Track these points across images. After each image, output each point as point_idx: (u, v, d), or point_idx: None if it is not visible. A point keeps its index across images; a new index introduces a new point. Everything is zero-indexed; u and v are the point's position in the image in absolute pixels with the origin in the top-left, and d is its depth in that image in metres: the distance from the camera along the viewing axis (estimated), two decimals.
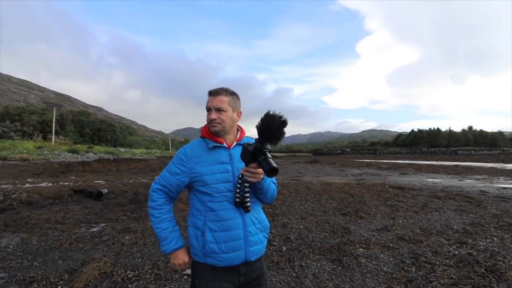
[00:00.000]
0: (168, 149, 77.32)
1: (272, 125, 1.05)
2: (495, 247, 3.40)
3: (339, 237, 3.96)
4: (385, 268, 2.94)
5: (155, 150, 65.01)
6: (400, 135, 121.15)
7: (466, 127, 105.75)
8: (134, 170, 17.49)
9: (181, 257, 1.32)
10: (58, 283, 2.70)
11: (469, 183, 10.15)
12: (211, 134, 1.30)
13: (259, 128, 1.08)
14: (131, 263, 3.14)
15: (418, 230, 4.23)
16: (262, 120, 1.08)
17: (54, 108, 47.76)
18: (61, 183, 9.28)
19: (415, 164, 23.09)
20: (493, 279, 2.53)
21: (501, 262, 2.89)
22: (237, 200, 1.23)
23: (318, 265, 3.05)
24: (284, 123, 1.07)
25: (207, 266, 1.25)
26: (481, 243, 3.56)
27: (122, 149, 44.83)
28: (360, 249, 3.49)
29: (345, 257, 3.19)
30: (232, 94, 1.31)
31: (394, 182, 10.50)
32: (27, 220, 4.92)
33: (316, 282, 2.67)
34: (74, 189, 7.53)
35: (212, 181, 1.24)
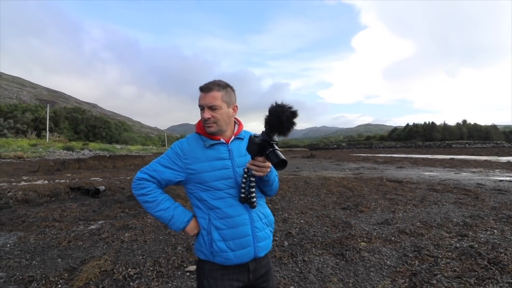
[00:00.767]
0: (164, 145, 76.91)
1: (282, 115, 1.01)
2: (496, 239, 3.42)
3: (341, 231, 3.96)
4: (388, 262, 2.94)
5: (151, 146, 64.63)
6: (395, 129, 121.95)
7: (460, 121, 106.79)
8: (131, 166, 17.36)
9: (193, 228, 1.25)
10: (58, 282, 2.65)
11: (466, 176, 10.25)
12: (205, 132, 1.23)
13: (268, 119, 1.04)
14: (132, 261, 3.10)
15: (419, 223, 4.25)
16: (270, 110, 1.03)
17: (48, 105, 47.00)
18: (57, 180, 9.16)
19: (411, 158, 23.28)
20: (497, 271, 2.54)
21: (503, 254, 2.90)
22: (242, 195, 1.18)
23: (321, 260, 3.04)
24: (294, 113, 1.03)
25: (216, 266, 1.20)
26: (482, 236, 3.58)
27: (118, 146, 44.48)
28: (362, 243, 3.49)
29: (347, 251, 3.18)
30: (226, 87, 1.21)
31: (391, 175, 10.57)
32: (23, 218, 4.84)
33: (320, 277, 2.66)
34: (70, 187, 7.43)
35: (212, 179, 1.18)
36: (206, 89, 1.18)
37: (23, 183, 8.35)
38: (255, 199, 1.18)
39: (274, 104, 1.03)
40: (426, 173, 11.34)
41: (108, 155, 23.37)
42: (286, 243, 3.55)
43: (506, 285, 2.34)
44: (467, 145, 71.86)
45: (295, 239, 3.68)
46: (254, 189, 1.18)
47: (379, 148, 77.54)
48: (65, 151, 28.08)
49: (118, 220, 4.78)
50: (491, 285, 2.35)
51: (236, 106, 1.27)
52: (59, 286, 2.59)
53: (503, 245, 3.20)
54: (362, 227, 4.16)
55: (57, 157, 23.20)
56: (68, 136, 48.29)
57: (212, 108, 1.17)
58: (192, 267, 2.90)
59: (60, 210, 5.42)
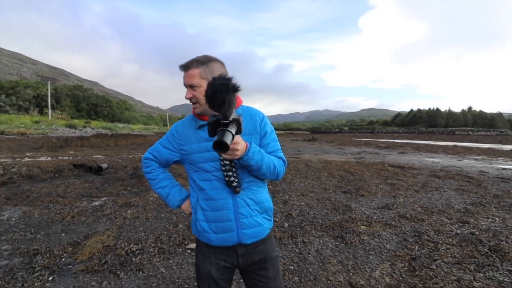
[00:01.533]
0: (166, 125, 76.90)
1: (212, 88, 0.90)
2: (497, 227, 3.42)
3: (341, 215, 3.98)
4: (388, 246, 2.96)
5: (153, 126, 64.64)
6: (399, 114, 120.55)
7: (466, 108, 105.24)
8: (133, 145, 17.43)
9: (188, 207, 1.31)
10: (62, 256, 2.71)
11: (468, 163, 10.20)
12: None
13: (205, 92, 0.93)
14: (134, 237, 3.15)
15: (419, 208, 4.26)
16: (207, 84, 0.93)
17: (49, 82, 46.47)
18: (60, 157, 9.22)
19: (414, 144, 23.15)
20: (497, 259, 2.55)
21: (504, 242, 2.90)
22: (226, 179, 1.12)
23: (321, 242, 3.07)
24: (226, 85, 0.89)
25: (203, 243, 1.23)
26: (483, 223, 3.58)
27: (120, 125, 44.46)
28: (362, 226, 3.51)
29: (347, 234, 3.21)
30: (206, 62, 1.12)
31: (393, 161, 10.54)
32: (28, 193, 4.90)
33: (320, 258, 2.69)
34: (74, 164, 7.48)
35: (200, 160, 1.16)
36: (184, 67, 1.12)
37: (26, 159, 8.41)
38: (236, 184, 1.11)
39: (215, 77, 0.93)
40: (428, 159, 11.29)
41: (110, 134, 23.42)
42: (286, 224, 3.58)
43: (506, 272, 2.35)
44: (470, 132, 71.24)
45: (295, 221, 3.71)
46: (231, 173, 1.10)
47: (381, 133, 77.05)
48: (67, 129, 28.15)
49: (120, 197, 4.83)
50: (491, 272, 2.36)
51: None
52: (63, 259, 2.65)
53: (504, 233, 3.20)
54: (362, 210, 4.17)
55: (60, 135, 23.29)
56: (70, 114, 48.25)
57: (191, 87, 1.12)
58: (193, 245, 2.94)
59: (64, 186, 5.48)
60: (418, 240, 3.06)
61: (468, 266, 2.43)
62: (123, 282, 2.29)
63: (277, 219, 3.76)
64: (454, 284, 2.18)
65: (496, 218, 3.75)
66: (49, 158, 8.65)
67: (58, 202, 4.46)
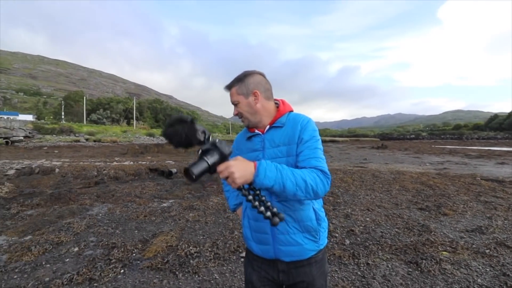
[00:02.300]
0: (229, 133, 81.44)
1: (164, 135, 0.97)
2: None
3: (416, 236, 3.40)
4: (479, 280, 2.37)
5: (217, 134, 69.27)
6: (495, 116, 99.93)
7: None
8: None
9: (239, 215, 1.40)
10: (133, 251, 3.02)
11: None
12: None
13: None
14: (194, 240, 3.31)
15: None
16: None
17: (134, 97, 55.22)
18: (140, 162, 10.62)
19: None
20: None
21: None
22: (257, 212, 0.94)
23: (389, 266, 2.66)
24: (171, 125, 0.93)
25: (248, 249, 1.27)
26: None
27: None
28: (444, 252, 2.92)
29: (424, 260, 2.71)
30: (241, 79, 1.16)
31: (488, 173, 8.69)
32: (113, 192, 5.74)
33: (387, 286, 2.32)
34: (149, 168, 8.50)
35: None
36: (227, 88, 1.20)
37: (115, 163, 9.96)
38: (268, 213, 0.91)
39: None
40: None
41: None
42: (347, 242, 3.24)
43: None
44: None
45: (358, 238, 3.34)
46: (259, 204, 0.92)
47: (472, 139, 64.94)
48: (147, 137, 32.57)
49: (185, 200, 5.21)
50: None
51: (256, 92, 1.14)
52: (134, 254, 2.95)
53: None
54: (444, 233, 3.49)
55: (141, 142, 27.06)
56: (150, 124, 55.77)
57: (234, 104, 1.19)
58: None
59: (141, 187, 6.23)
60: None
61: None
62: (180, 283, 2.40)
63: (337, 235, 3.45)
64: None
65: None
66: (131, 163, 10.05)
67: (135, 201, 5.08)
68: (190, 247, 3.06)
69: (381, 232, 3.54)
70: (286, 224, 1.10)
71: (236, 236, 3.40)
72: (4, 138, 20.96)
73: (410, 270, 2.58)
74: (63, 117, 50.95)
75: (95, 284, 2.36)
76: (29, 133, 24.13)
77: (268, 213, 0.91)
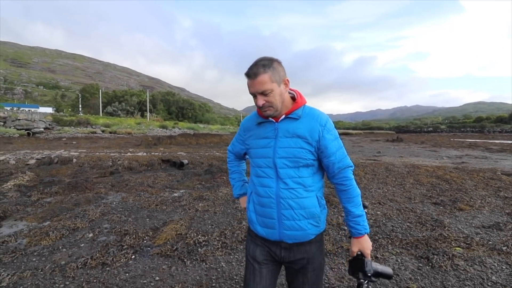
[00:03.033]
0: None
1: None
2: None
3: (428, 231, 3.32)
4: (493, 278, 2.29)
5: (229, 126, 69.68)
6: None
7: None
8: (210, 144, 19.08)
9: (242, 204, 1.47)
10: (144, 238, 3.11)
11: None
12: (258, 109, 1.21)
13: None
14: (202, 229, 3.36)
15: None
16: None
17: (148, 90, 56.05)
18: (153, 153, 10.84)
19: None
20: None
21: None
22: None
23: (399, 260, 2.61)
24: None
25: (251, 230, 1.31)
26: None
27: (201, 125, 49.71)
28: (458, 248, 2.83)
29: (435, 256, 2.63)
30: (270, 66, 1.08)
31: (510, 168, 8.30)
32: (127, 182, 5.90)
33: (395, 280, 2.28)
34: (162, 159, 8.67)
35: (255, 155, 1.23)
36: (253, 75, 1.08)
37: (129, 154, 10.22)
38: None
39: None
40: None
41: (192, 133, 26.32)
42: None
43: None
44: None
45: None
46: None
47: (494, 132, 61.92)
48: (160, 129, 33.15)
49: (195, 190, 5.29)
50: None
51: (287, 80, 1.15)
52: (145, 241, 3.03)
53: None
54: (459, 228, 3.38)
55: (154, 134, 27.59)
56: (163, 116, 56.72)
57: (264, 93, 1.09)
58: None
59: (153, 178, 6.38)
60: None
61: None
62: (188, 270, 2.46)
63: (346, 228, 3.41)
64: None
65: None
66: (145, 154, 10.28)
67: (147, 191, 5.21)
68: (199, 236, 3.12)
69: (392, 226, 3.47)
70: (293, 211, 1.15)
71: (244, 227, 3.43)
72: (26, 129, 21.94)
73: (420, 265, 2.52)
74: (80, 109, 52.63)
75: (107, 268, 2.45)
76: (49, 124, 25.11)
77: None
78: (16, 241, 2.98)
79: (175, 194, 5.02)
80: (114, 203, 4.47)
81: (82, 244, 2.94)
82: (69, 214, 3.84)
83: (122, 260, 2.59)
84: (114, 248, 2.83)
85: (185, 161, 8.21)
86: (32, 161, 7.63)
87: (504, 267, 2.47)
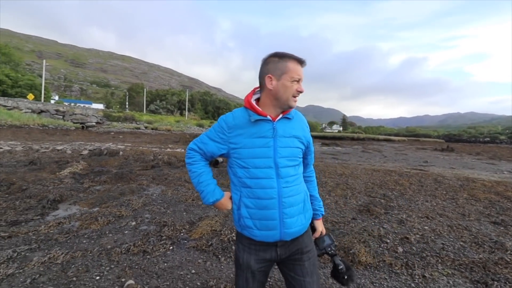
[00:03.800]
0: None
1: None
2: None
3: (486, 252, 2.93)
4: None
5: None
6: None
7: None
8: None
9: (224, 206, 1.30)
10: (181, 231, 3.21)
11: None
12: (254, 106, 1.18)
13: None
14: None
15: None
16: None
17: (187, 90, 58.86)
18: None
19: None
20: None
21: None
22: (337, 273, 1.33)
23: (450, 282, 2.34)
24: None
25: (244, 236, 1.25)
26: None
27: None
28: None
29: (495, 282, 2.31)
30: None
31: None
32: (166, 176, 6.20)
33: None
34: None
35: (250, 155, 1.17)
36: (304, 63, 1.19)
37: (168, 149, 10.77)
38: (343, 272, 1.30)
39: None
40: None
41: None
42: (400, 249, 2.94)
43: None
44: None
45: (413, 247, 3.00)
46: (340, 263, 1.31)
47: None
48: (197, 127, 34.56)
49: (229, 188, 5.35)
50: None
51: None
52: (182, 234, 3.13)
53: None
54: None
55: (192, 132, 28.83)
56: (200, 115, 59.09)
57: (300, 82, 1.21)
58: None
59: None
60: None
61: None
62: (222, 266, 2.47)
63: (388, 240, 3.16)
64: None
65: None
66: (182, 150, 10.75)
67: (184, 186, 5.41)
68: (233, 234, 3.13)
69: (442, 243, 3.13)
70: (293, 208, 1.19)
71: None
72: (81, 123, 24.46)
73: None
74: (127, 106, 57.12)
75: (147, 256, 2.57)
76: (100, 119, 27.67)
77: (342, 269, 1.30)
78: (70, 223, 3.29)
79: None
80: (155, 195, 4.71)
81: (126, 231, 3.13)
82: (115, 202, 4.13)
83: (161, 250, 2.70)
84: (154, 237, 2.96)
85: (220, 160, 8.38)
86: (85, 152, 8.43)
87: None
